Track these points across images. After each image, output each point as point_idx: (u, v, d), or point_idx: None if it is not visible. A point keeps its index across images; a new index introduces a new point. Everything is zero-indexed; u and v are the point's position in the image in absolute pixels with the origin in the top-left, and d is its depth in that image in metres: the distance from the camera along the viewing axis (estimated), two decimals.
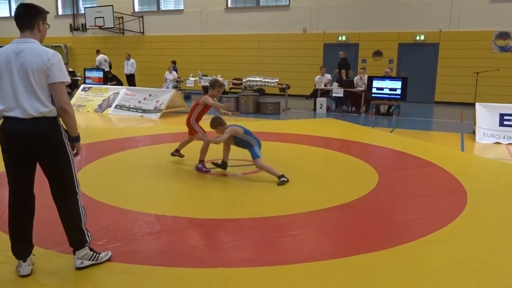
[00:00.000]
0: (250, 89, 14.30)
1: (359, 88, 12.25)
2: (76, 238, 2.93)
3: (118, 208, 4.12)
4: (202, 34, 18.01)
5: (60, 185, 2.87)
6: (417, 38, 14.93)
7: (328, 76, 13.01)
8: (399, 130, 9.34)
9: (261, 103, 11.98)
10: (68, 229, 2.92)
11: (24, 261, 2.84)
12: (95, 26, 18.41)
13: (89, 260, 2.95)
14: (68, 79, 2.78)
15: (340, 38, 15.93)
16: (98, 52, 17.17)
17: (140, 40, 19.29)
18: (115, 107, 11.57)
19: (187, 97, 15.05)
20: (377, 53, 15.58)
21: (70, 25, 20.58)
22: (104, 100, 12.00)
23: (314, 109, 12.53)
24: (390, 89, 11.55)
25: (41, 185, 2.99)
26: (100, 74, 14.83)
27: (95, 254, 2.99)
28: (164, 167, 5.75)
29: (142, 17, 19.05)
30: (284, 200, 4.43)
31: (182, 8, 18.33)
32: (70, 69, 16.73)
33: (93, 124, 10.00)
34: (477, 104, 8.81)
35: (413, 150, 6.90)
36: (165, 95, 11.25)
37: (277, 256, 3.19)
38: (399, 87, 11.44)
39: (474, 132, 8.65)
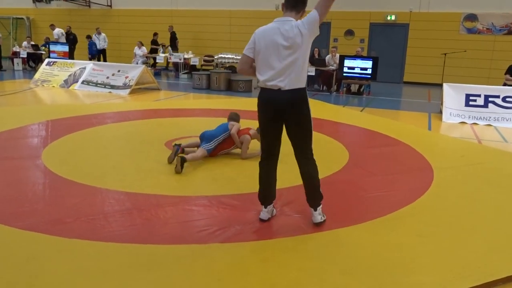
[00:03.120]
0: (221, 66, 14.13)
1: (330, 67, 12.29)
2: (317, 196, 3.32)
3: (87, 185, 4.03)
4: (172, 9, 17.55)
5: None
6: (388, 18, 15.04)
7: None
8: (369, 109, 9.47)
9: (233, 80, 11.86)
10: (311, 188, 3.31)
11: (265, 207, 3.36)
12: None
13: (324, 215, 3.38)
14: None
15: None
16: (52, 26, 16.49)
17: (107, 14, 18.63)
18: (82, 83, 11.21)
19: (156, 73, 14.75)
20: (349, 32, 15.63)
21: None
22: (70, 75, 11.59)
23: None
24: (361, 69, 11.65)
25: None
26: (65, 48, 14.29)
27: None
28: (134, 145, 5.64)
29: None
30: (256, 178, 4.42)
31: None
32: (33, 43, 16.05)
33: (59, 100, 9.66)
34: (444, 85, 9.02)
35: (383, 129, 7.03)
36: (135, 71, 10.98)
37: (248, 233, 3.20)
38: (370, 66, 11.55)
39: (441, 112, 8.88)
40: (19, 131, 6.08)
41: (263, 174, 3.37)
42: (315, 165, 3.33)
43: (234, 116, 5.38)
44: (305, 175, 3.31)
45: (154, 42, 15.87)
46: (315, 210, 3.32)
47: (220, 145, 5.02)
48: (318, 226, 3.30)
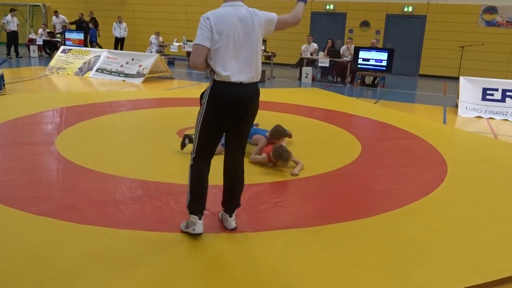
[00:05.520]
0: None
1: (345, 58, 12.17)
2: (239, 200, 3.10)
3: (99, 172, 4.06)
4: None
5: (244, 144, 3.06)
6: (405, 9, 14.79)
7: (314, 45, 12.86)
8: (383, 102, 9.36)
9: None
10: (239, 190, 3.07)
11: (200, 218, 2.91)
12: None
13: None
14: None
15: (327, 7, 15.68)
16: (56, 13, 16.51)
17: (123, 2, 18.64)
18: (96, 71, 11.27)
19: (170, 62, 14.75)
20: (365, 24, 15.42)
21: None
22: (85, 63, 11.67)
23: (300, 79, 12.45)
24: (376, 60, 11.51)
25: None
26: (81, 36, 14.37)
27: None
28: (146, 133, 5.67)
29: None
30: (266, 168, 4.42)
31: None
32: (48, 30, 16.17)
33: (73, 87, 9.74)
34: (461, 78, 8.86)
35: (396, 121, 6.94)
36: (148, 60, 11.00)
37: (257, 222, 3.20)
38: (385, 58, 11.41)
39: (456, 106, 8.74)
40: (34, 117, 6.15)
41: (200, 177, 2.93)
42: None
43: (276, 133, 4.67)
44: (237, 179, 3.02)
45: None
46: (231, 216, 3.04)
47: None
48: (233, 231, 3.00)
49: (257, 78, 2.83)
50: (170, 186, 3.81)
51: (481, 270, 2.68)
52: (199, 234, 2.88)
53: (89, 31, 15.79)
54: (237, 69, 2.72)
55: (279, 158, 4.29)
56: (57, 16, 16.43)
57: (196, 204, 2.92)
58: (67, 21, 16.37)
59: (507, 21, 13.77)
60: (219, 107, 2.78)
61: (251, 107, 2.85)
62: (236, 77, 2.72)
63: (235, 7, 2.75)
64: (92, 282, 2.37)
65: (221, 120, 2.83)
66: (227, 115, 2.80)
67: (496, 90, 8.50)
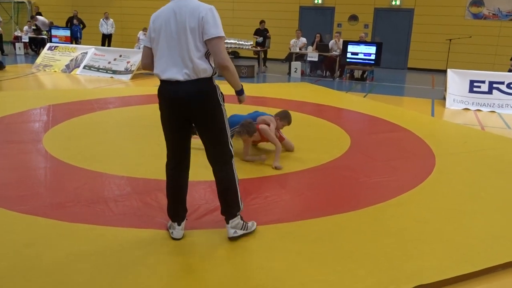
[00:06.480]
0: None
1: (334, 52, 12.19)
2: (231, 206, 2.81)
3: (87, 170, 4.03)
4: None
5: (217, 148, 2.76)
6: (393, 3, 14.85)
7: (303, 40, 12.86)
8: (372, 95, 9.41)
9: (235, 66, 11.76)
10: (223, 197, 2.82)
11: (179, 224, 2.83)
12: None
13: (241, 229, 2.83)
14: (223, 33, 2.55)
15: (316, 1, 15.68)
16: (34, 17, 16.12)
17: None
18: (84, 68, 11.16)
19: None
20: (353, 18, 15.46)
21: None
22: (71, 60, 11.54)
23: (289, 73, 12.45)
24: (365, 54, 11.55)
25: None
26: (67, 33, 14.19)
27: (245, 223, 2.87)
28: (135, 129, 5.63)
29: None
30: (256, 163, 4.42)
31: None
32: (34, 27, 15.93)
33: (60, 84, 9.64)
34: (448, 71, 8.93)
35: (385, 115, 6.98)
36: (136, 56, 10.90)
37: (247, 217, 3.20)
38: (374, 52, 11.45)
39: (444, 98, 8.81)
40: (20, 115, 6.08)
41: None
42: (232, 170, 2.82)
43: (282, 114, 4.77)
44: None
45: None
46: (227, 222, 2.82)
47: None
48: (232, 240, 2.82)
49: (197, 75, 2.56)
50: (159, 182, 3.78)
51: (468, 260, 2.72)
52: (177, 239, 2.83)
53: (72, 27, 15.54)
54: (167, 66, 2.58)
55: (245, 130, 4.30)
56: (35, 21, 16.07)
57: (170, 209, 2.89)
58: (47, 22, 16.07)
59: (493, 14, 13.90)
60: (162, 106, 2.72)
61: (193, 106, 2.60)
62: (167, 75, 2.59)
63: (177, 1, 2.58)
64: (81, 280, 2.36)
65: (170, 120, 2.72)
66: (173, 114, 2.68)
67: (483, 82, 8.59)
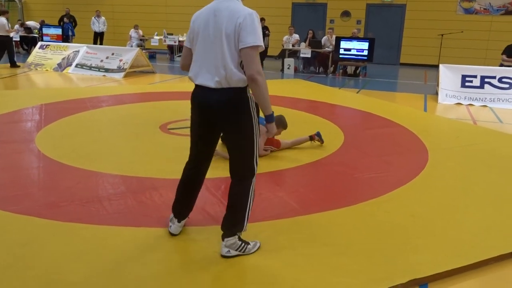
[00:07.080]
0: None
1: (326, 48, 12.20)
2: (233, 223, 2.63)
3: (81, 169, 4.01)
4: None
5: (240, 162, 2.60)
6: None
7: (296, 36, 12.86)
8: (365, 91, 9.44)
9: None
10: (230, 212, 2.63)
11: (179, 221, 2.84)
12: None
13: (236, 250, 2.62)
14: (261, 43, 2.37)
15: None
16: (20, 21, 15.96)
17: None
18: (76, 66, 11.09)
19: (151, 56, 14.60)
20: (345, 14, 15.48)
21: None
22: (63, 59, 11.47)
23: (282, 70, 12.45)
24: (357, 50, 11.58)
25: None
26: (59, 31, 14.09)
27: (243, 245, 2.65)
28: (129, 128, 5.61)
29: None
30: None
31: None
32: (26, 25, 15.80)
33: (52, 83, 9.57)
34: (441, 66, 8.98)
35: (378, 110, 7.01)
36: (129, 54, 10.86)
37: None
38: (366, 48, 11.47)
39: (437, 93, 8.86)
40: (12, 115, 6.04)
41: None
42: (249, 188, 2.62)
43: (278, 120, 4.56)
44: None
45: None
46: (222, 239, 2.63)
47: None
48: (226, 259, 2.62)
49: (229, 84, 2.42)
50: (153, 180, 3.78)
51: (461, 253, 2.74)
52: (173, 234, 2.84)
53: (63, 25, 15.40)
54: (200, 71, 2.50)
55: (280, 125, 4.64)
56: (22, 25, 15.85)
57: (175, 206, 2.87)
58: (38, 25, 15.91)
59: (484, 8, 13.97)
60: (192, 110, 2.66)
61: (222, 116, 2.50)
62: (199, 80, 2.50)
63: (219, 1, 2.46)
64: (76, 280, 2.35)
65: (197, 125, 2.66)
66: (202, 120, 2.61)
67: (475, 77, 8.64)
